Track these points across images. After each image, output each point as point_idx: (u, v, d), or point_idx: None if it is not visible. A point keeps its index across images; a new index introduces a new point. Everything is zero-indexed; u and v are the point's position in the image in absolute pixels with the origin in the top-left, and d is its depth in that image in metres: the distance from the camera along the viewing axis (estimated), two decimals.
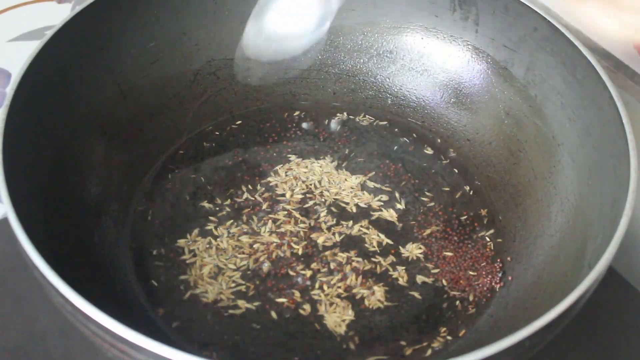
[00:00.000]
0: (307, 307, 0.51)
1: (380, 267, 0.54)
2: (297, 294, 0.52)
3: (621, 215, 0.43)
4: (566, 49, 0.54)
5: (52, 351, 0.52)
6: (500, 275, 0.54)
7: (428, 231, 0.56)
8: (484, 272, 0.54)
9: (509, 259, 0.55)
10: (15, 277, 0.55)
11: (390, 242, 0.55)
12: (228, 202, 0.57)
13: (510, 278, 0.53)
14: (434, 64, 0.63)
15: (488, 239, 0.56)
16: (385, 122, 0.63)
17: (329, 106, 0.64)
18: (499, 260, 0.55)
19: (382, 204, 0.57)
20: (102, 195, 0.54)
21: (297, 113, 0.64)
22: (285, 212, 0.56)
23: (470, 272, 0.54)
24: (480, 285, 0.53)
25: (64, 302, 0.39)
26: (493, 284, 0.53)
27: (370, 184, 0.59)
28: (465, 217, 0.57)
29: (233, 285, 0.52)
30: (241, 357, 0.49)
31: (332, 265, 0.54)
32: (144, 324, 0.49)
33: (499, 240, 0.56)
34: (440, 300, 0.52)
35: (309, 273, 0.53)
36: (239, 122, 0.63)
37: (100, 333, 0.38)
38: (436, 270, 0.54)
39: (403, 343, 0.50)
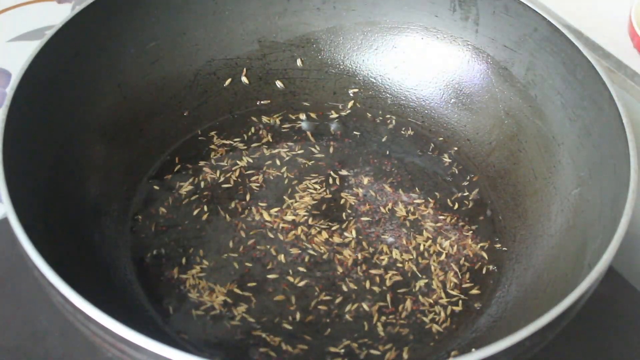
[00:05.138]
0: (309, 311, 0.51)
1: (378, 267, 0.54)
2: (297, 297, 0.52)
3: (621, 215, 0.43)
4: (566, 49, 0.54)
5: (52, 351, 0.52)
6: (500, 275, 0.54)
7: (427, 230, 0.56)
8: (483, 272, 0.54)
9: (508, 259, 0.55)
10: (15, 277, 0.55)
11: (391, 240, 0.55)
12: (228, 202, 0.57)
13: (510, 278, 0.53)
14: (434, 64, 0.63)
15: (488, 239, 0.56)
16: (385, 122, 0.63)
17: (329, 106, 0.64)
18: (498, 260, 0.55)
19: (382, 203, 0.57)
20: (102, 195, 0.54)
21: (297, 113, 0.64)
22: (287, 212, 0.56)
23: (470, 272, 0.54)
24: (480, 284, 0.53)
25: (64, 302, 0.39)
26: (493, 283, 0.53)
27: (371, 184, 0.59)
28: (465, 216, 0.57)
29: (234, 286, 0.52)
30: (241, 357, 0.49)
31: (336, 268, 0.54)
32: (144, 324, 0.49)
33: (499, 240, 0.56)
34: (439, 299, 0.52)
35: (311, 275, 0.53)
36: (239, 122, 0.63)
37: (100, 333, 0.38)
38: (435, 270, 0.54)
39: (402, 343, 0.50)
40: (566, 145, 0.54)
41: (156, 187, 0.58)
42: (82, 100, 0.54)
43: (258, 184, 0.58)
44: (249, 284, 0.52)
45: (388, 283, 0.53)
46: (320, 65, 0.65)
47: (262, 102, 0.64)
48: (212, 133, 0.62)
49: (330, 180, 0.59)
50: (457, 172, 0.60)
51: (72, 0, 0.75)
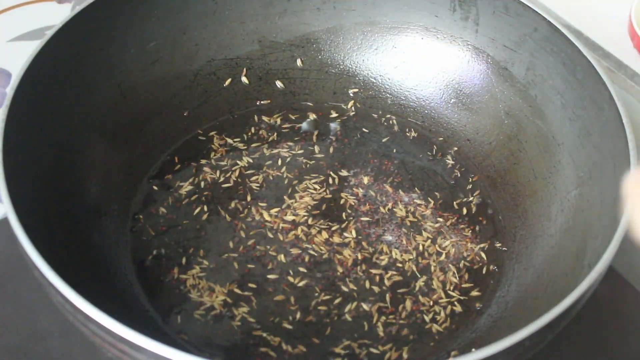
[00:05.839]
0: (310, 311, 0.51)
1: (378, 267, 0.54)
2: (298, 297, 0.52)
3: (621, 215, 0.43)
4: (566, 49, 0.54)
5: (52, 351, 0.52)
6: (500, 275, 0.54)
7: (427, 230, 0.56)
8: (483, 272, 0.54)
9: (508, 259, 0.55)
10: (15, 277, 0.55)
11: (391, 240, 0.55)
12: (228, 202, 0.57)
13: (510, 278, 0.53)
14: (434, 64, 0.63)
15: (488, 239, 0.56)
16: (385, 122, 0.63)
17: (329, 106, 0.64)
18: (498, 260, 0.55)
19: (382, 203, 0.57)
20: (102, 195, 0.54)
21: (297, 113, 0.64)
22: (287, 212, 0.56)
23: (470, 272, 0.54)
24: (480, 284, 0.53)
25: (64, 302, 0.39)
26: (493, 283, 0.53)
27: (371, 184, 0.59)
28: (464, 216, 0.57)
29: (234, 286, 0.52)
30: (241, 357, 0.49)
31: (336, 268, 0.54)
32: (144, 324, 0.49)
33: (499, 240, 0.56)
34: (439, 299, 0.52)
35: (311, 275, 0.53)
36: (239, 122, 0.63)
37: (100, 333, 0.38)
38: (435, 270, 0.54)
39: (402, 343, 0.50)
40: (566, 145, 0.54)
41: (156, 187, 0.58)
42: (82, 100, 0.54)
43: (258, 184, 0.58)
44: (249, 284, 0.52)
45: (388, 283, 0.53)
46: (320, 65, 0.65)
47: (262, 102, 0.64)
48: (212, 133, 0.62)
49: (330, 180, 0.59)
50: (457, 172, 0.60)
51: (72, 0, 0.75)
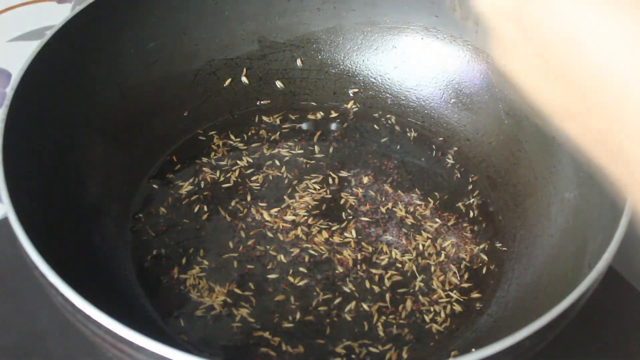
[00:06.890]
0: (310, 311, 0.51)
1: (378, 267, 0.54)
2: (298, 297, 0.52)
3: (621, 215, 0.43)
4: None
5: (52, 351, 0.52)
6: (500, 275, 0.54)
7: (427, 231, 0.56)
8: (483, 272, 0.54)
9: (508, 259, 0.55)
10: (15, 277, 0.55)
11: (391, 240, 0.55)
12: (228, 202, 0.57)
13: (510, 278, 0.53)
14: (434, 64, 0.63)
15: (488, 239, 0.56)
16: (385, 122, 0.63)
17: (329, 106, 0.64)
18: (498, 260, 0.55)
19: (382, 203, 0.57)
20: (102, 195, 0.54)
21: (297, 113, 0.64)
22: (287, 212, 0.56)
23: (470, 272, 0.54)
24: (480, 284, 0.53)
25: (64, 302, 0.39)
26: (493, 283, 0.53)
27: (371, 184, 0.59)
28: (464, 216, 0.57)
29: (234, 286, 0.52)
30: (241, 357, 0.49)
31: (336, 268, 0.54)
32: (144, 324, 0.49)
33: (499, 240, 0.56)
34: (439, 299, 0.52)
35: (311, 275, 0.53)
36: (239, 122, 0.63)
37: (100, 333, 0.38)
38: (435, 270, 0.54)
39: (402, 343, 0.50)
40: (566, 145, 0.54)
41: (156, 187, 0.58)
42: (82, 100, 0.54)
43: (258, 184, 0.58)
44: (249, 284, 0.52)
45: (388, 283, 0.53)
46: (320, 65, 0.65)
47: (262, 102, 0.64)
48: (212, 133, 0.62)
49: (330, 180, 0.59)
50: (457, 172, 0.60)
51: (72, 0, 0.75)
